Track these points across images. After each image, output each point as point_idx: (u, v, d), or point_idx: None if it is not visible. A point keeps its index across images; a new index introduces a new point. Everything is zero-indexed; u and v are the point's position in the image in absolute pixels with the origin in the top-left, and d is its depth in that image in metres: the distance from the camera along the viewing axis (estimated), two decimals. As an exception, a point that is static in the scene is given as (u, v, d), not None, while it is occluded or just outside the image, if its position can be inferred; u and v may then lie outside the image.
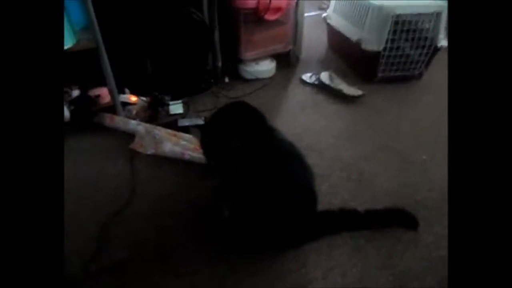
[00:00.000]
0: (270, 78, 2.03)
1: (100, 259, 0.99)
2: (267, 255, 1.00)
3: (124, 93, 1.67)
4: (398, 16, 1.68)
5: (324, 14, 2.36)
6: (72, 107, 1.47)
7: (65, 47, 1.33)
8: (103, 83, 1.48)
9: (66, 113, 1.43)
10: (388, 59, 1.80)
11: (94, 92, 1.55)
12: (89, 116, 1.54)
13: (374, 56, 1.81)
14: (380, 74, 1.87)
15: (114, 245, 1.04)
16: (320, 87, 1.89)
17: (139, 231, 1.08)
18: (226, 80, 1.97)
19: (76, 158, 1.38)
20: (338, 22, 2.17)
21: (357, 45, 1.86)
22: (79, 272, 0.94)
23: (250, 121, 1.11)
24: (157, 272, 0.95)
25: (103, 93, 1.55)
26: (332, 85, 1.84)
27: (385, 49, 1.77)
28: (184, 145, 1.40)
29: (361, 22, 1.88)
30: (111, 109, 1.55)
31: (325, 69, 2.00)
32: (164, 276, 0.94)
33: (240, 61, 1.98)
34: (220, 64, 1.89)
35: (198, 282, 0.93)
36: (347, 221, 1.08)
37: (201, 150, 1.20)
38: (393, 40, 1.74)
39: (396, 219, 1.09)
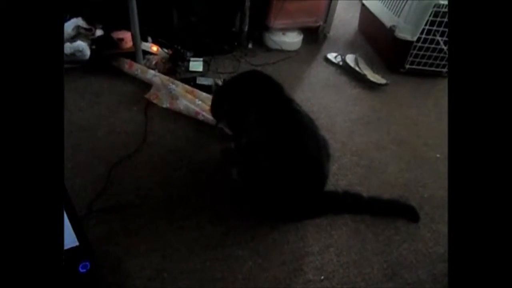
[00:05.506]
0: (295, 51, 1.97)
1: (105, 199, 1.01)
2: (268, 223, 1.01)
3: (146, 41, 1.63)
4: (440, 6, 1.59)
5: (361, -6, 2.25)
6: (94, 47, 1.44)
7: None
8: (127, 27, 1.45)
9: (87, 51, 1.41)
10: (420, 51, 1.73)
11: (118, 35, 1.52)
12: (109, 58, 1.52)
13: (405, 46, 1.74)
14: (408, 66, 1.81)
15: (120, 188, 1.05)
16: (344, 68, 1.84)
17: (146, 179, 1.09)
18: (250, 46, 1.91)
19: (92, 98, 1.38)
20: (374, 5, 2.07)
21: (390, 31, 1.79)
22: (83, 208, 0.96)
23: (268, 90, 1.09)
24: (160, 221, 0.97)
25: (126, 38, 1.51)
26: (356, 68, 1.79)
27: (418, 39, 1.69)
28: (199, 105, 1.38)
29: (399, 8, 1.80)
30: (132, 55, 1.52)
31: (352, 51, 1.93)
32: (167, 226, 0.96)
33: (267, 28, 1.92)
34: (246, 28, 1.83)
35: (199, 237, 0.95)
36: (351, 204, 1.09)
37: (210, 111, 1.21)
38: (429, 32, 1.66)
39: (399, 211, 1.10)
